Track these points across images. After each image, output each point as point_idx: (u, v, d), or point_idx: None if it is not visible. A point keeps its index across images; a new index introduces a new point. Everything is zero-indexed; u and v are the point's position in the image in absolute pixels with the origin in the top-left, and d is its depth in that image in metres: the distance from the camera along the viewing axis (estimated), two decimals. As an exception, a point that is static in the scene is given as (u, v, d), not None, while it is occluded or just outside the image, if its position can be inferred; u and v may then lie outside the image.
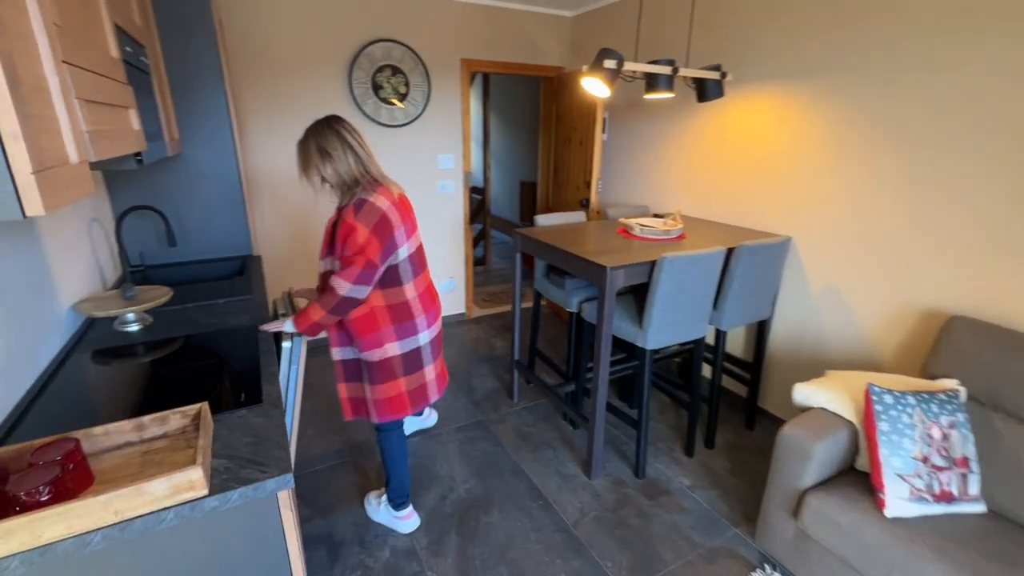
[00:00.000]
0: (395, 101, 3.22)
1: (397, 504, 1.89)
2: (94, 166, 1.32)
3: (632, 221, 2.43)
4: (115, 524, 0.83)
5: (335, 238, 1.53)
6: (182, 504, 0.87)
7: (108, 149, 0.99)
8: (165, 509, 0.86)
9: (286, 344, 1.82)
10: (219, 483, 0.93)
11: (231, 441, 1.06)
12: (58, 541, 0.79)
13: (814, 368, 2.38)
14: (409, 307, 1.65)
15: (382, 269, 1.53)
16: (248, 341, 1.55)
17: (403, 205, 1.59)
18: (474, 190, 5.94)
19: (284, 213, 3.13)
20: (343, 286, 1.47)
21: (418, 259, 1.67)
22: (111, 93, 1.09)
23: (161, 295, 1.66)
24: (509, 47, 3.52)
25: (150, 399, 1.23)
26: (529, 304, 4.16)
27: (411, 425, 2.51)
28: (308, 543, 1.83)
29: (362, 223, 1.46)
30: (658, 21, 2.93)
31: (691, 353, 2.67)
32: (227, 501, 0.91)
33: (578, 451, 2.39)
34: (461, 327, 3.85)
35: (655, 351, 2.21)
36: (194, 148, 2.25)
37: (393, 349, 1.64)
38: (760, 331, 2.50)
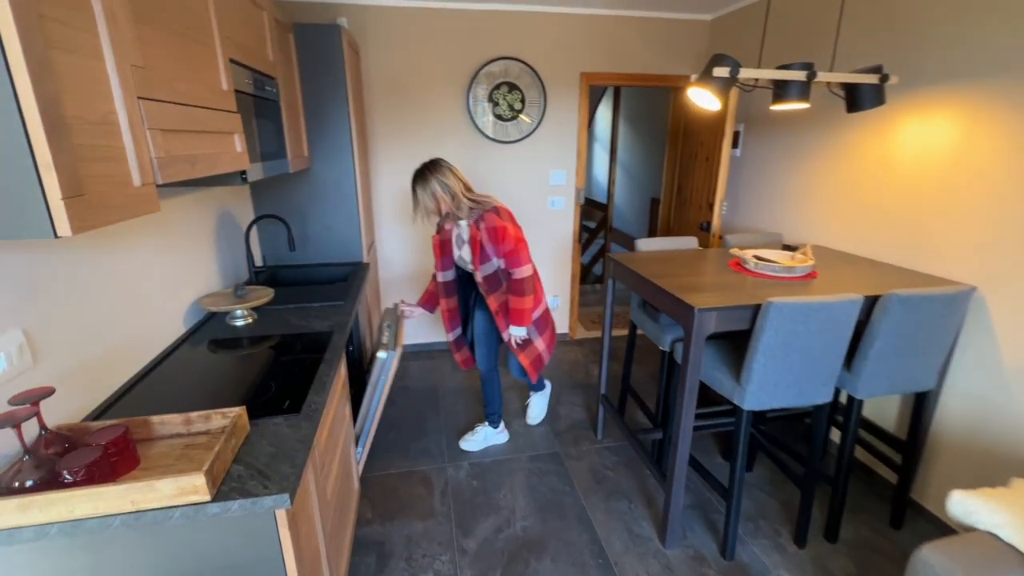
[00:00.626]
0: (513, 116, 3.24)
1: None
2: (209, 181, 1.53)
3: (747, 253, 2.07)
4: (132, 512, 0.91)
5: (482, 246, 1.99)
6: (188, 505, 0.93)
7: (185, 172, 1.12)
8: (173, 507, 0.93)
9: (381, 355, 1.92)
10: (227, 490, 0.97)
11: (256, 449, 1.11)
12: (87, 518, 0.90)
13: (998, 469, 1.76)
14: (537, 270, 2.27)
15: None
16: (321, 347, 1.64)
17: None
18: (597, 204, 5.77)
19: (404, 226, 3.36)
20: (526, 269, 2.01)
21: None
22: (206, 122, 1.24)
23: (264, 296, 1.87)
24: (636, 57, 3.31)
25: (221, 391, 1.36)
26: (626, 332, 3.84)
27: (485, 440, 2.52)
28: (361, 546, 1.89)
29: (506, 222, 2.01)
30: (806, 18, 2.47)
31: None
32: (227, 510, 0.95)
33: (657, 509, 2.11)
34: (560, 348, 3.71)
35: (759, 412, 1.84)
36: (322, 164, 2.53)
37: (547, 300, 2.33)
38: (919, 404, 1.93)
